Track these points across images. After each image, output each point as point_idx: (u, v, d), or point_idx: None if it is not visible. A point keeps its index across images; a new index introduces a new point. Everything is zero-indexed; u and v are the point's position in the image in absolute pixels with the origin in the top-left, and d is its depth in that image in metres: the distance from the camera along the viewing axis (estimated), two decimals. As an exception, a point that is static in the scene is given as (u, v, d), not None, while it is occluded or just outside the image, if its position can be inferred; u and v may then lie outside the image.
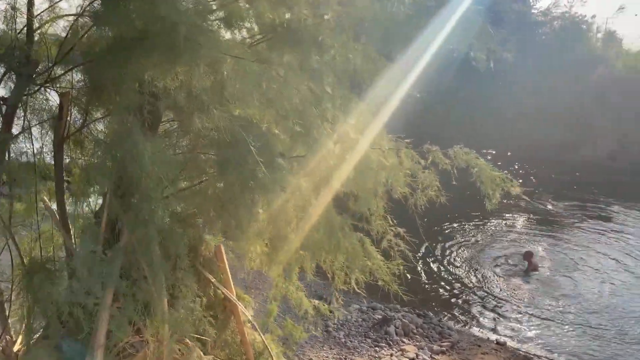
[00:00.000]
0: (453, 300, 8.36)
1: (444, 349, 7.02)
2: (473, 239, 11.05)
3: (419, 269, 9.18)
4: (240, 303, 3.41)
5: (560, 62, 21.19)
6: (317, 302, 3.74)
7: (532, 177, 16.11)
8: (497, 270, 9.40)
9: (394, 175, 3.02)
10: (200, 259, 3.29)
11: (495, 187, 3.16)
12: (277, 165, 2.52)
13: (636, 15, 32.57)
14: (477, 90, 20.43)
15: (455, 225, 11.72)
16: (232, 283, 3.44)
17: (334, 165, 2.89)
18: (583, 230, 11.73)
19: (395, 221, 3.32)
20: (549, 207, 13.42)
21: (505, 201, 14.08)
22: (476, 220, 12.29)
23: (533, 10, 23.48)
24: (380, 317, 7.61)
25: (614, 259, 9.88)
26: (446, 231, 11.31)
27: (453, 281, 8.96)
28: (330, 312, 4.18)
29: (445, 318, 7.86)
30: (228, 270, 3.42)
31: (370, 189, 3.00)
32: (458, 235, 11.23)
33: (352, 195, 3.11)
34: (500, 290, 8.59)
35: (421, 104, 13.53)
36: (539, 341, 7.09)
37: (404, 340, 7.21)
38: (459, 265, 9.63)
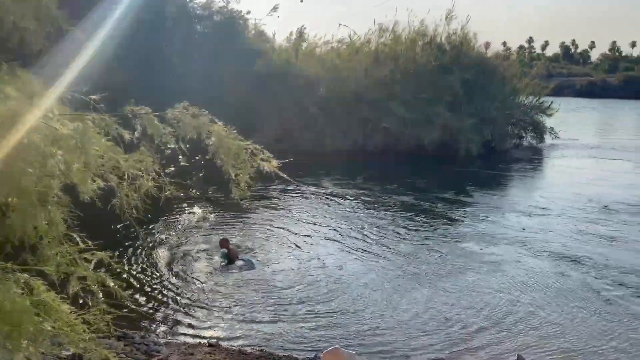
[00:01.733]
0: (154, 310, 7.28)
1: (154, 369, 6.00)
2: (163, 237, 10.10)
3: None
4: None
5: (224, 55, 22.05)
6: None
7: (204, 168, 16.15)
8: (196, 266, 8.73)
9: (78, 158, 1.76)
10: None
11: (243, 166, 2.34)
12: None
13: (278, 17, 37.01)
14: (149, 83, 19.41)
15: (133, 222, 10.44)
16: None
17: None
18: (267, 211, 12.27)
19: (91, 241, 2.11)
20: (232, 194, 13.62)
21: (192, 192, 13.64)
22: (161, 214, 11.41)
23: (193, 4, 23.80)
24: (69, 353, 5.97)
25: (304, 234, 10.45)
26: (129, 232, 10.04)
27: (150, 289, 7.85)
28: None
29: (149, 333, 6.77)
30: None
31: (32, 188, 1.67)
32: (145, 234, 10.14)
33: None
34: (203, 287, 7.95)
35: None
36: (251, 332, 6.75)
37: (103, 375, 5.85)
38: (153, 269, 8.55)
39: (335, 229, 10.90)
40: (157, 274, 8.38)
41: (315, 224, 11.24)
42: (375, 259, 9.23)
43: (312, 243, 10.01)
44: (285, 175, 2.51)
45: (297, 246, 9.79)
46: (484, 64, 23.66)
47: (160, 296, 7.64)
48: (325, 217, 11.88)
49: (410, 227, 11.19)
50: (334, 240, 10.25)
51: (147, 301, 7.47)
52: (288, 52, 23.73)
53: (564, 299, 7.73)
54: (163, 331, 6.77)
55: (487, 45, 25.34)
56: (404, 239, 10.39)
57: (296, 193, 14.28)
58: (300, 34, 25.20)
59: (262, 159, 2.47)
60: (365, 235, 10.58)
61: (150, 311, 7.23)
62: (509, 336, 6.56)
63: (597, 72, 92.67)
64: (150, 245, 9.66)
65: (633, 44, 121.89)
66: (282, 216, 11.88)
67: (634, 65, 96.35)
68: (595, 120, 43.22)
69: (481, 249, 9.84)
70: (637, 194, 14.53)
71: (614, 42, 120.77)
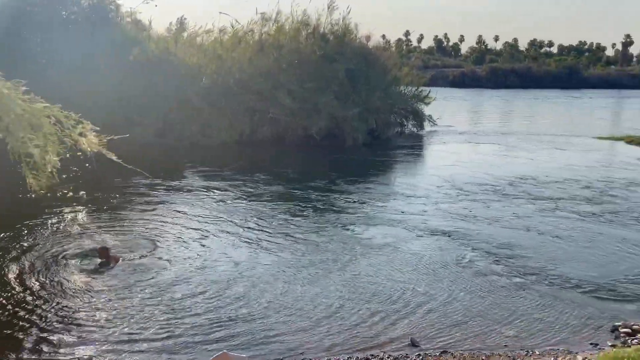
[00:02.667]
0: (17, 332, 6.34)
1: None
2: (26, 245, 8.95)
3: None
4: None
5: (95, 44, 20.45)
6: None
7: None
8: (68, 277, 7.77)
9: None
10: None
11: (46, 142, 1.71)
12: None
13: (156, 5, 35.23)
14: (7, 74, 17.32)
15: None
16: None
17: None
18: (148, 210, 11.49)
19: None
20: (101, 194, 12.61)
21: (62, 191, 12.36)
22: (23, 218, 10.19)
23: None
24: None
25: (192, 231, 9.83)
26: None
27: (10, 307, 6.87)
28: None
29: (11, 359, 5.92)
30: None
31: None
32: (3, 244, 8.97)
33: None
34: (78, 301, 7.08)
35: None
36: (134, 346, 6.08)
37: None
38: (13, 284, 7.49)
39: (225, 224, 10.48)
40: (21, 290, 7.37)
41: (203, 220, 10.69)
42: (269, 253, 8.97)
43: (202, 240, 9.46)
44: (126, 164, 2.11)
45: (185, 246, 9.17)
46: (367, 55, 24.37)
47: (24, 315, 6.68)
48: (213, 212, 11.39)
49: (299, 217, 11.13)
50: (224, 236, 9.81)
51: (8, 322, 6.54)
52: (167, 41, 22.58)
53: (446, 276, 8.13)
54: (27, 356, 5.93)
55: (368, 37, 26.12)
56: (294, 229, 10.28)
57: (178, 188, 13.59)
58: (181, 23, 24.19)
59: (80, 134, 1.94)
60: (257, 228, 10.30)
61: (13, 333, 6.32)
62: (402, 320, 6.69)
63: (467, 63, 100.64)
64: (11, 255, 8.54)
65: (496, 38, 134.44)
66: (165, 214, 11.15)
67: (498, 57, 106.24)
68: (467, 108, 46.82)
69: (367, 234, 10.05)
70: (499, 174, 15.94)
71: (480, 36, 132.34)
